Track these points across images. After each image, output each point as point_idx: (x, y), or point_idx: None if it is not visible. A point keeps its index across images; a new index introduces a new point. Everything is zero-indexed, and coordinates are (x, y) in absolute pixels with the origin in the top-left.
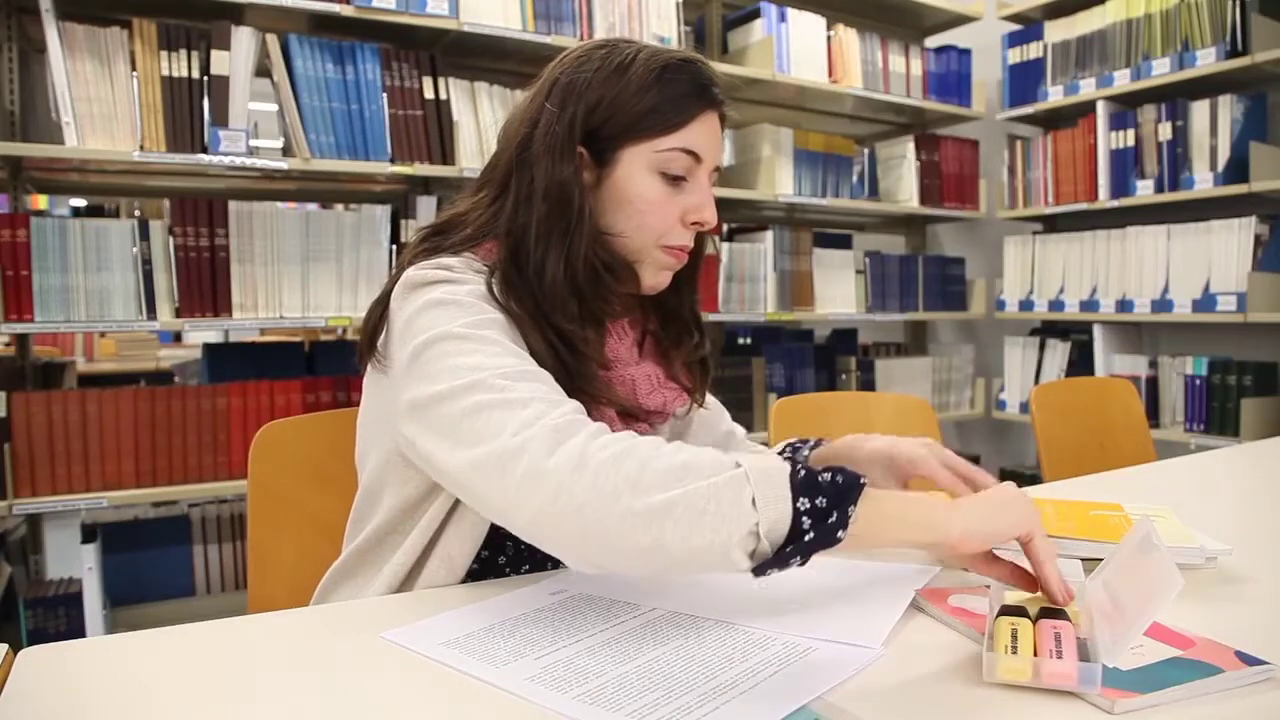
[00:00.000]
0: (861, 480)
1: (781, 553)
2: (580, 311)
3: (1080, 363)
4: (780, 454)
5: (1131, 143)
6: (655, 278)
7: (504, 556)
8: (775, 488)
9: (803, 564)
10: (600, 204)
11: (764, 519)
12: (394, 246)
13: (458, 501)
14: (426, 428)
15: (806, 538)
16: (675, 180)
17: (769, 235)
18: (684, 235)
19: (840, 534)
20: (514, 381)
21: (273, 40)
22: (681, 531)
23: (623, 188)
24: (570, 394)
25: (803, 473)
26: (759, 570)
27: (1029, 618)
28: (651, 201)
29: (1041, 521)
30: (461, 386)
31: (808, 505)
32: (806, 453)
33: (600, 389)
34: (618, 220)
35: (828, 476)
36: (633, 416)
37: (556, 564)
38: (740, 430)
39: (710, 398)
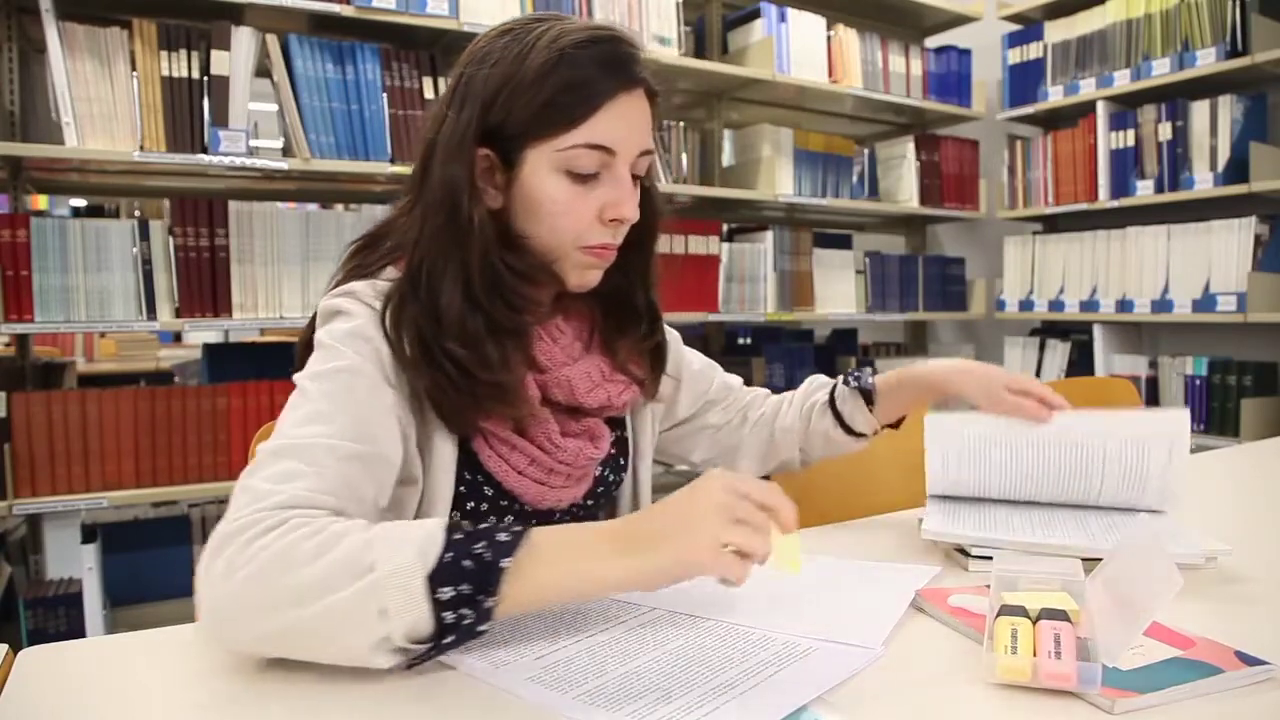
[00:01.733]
0: (501, 565)
1: (429, 650)
2: (487, 325)
3: (1080, 363)
4: (845, 379)
5: (1131, 143)
6: (581, 278)
7: None
8: (408, 592)
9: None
10: (512, 207)
11: (397, 627)
12: None
13: None
14: None
15: (446, 639)
16: (587, 178)
17: (769, 235)
18: (603, 233)
19: (481, 628)
20: (274, 460)
21: (273, 40)
22: (315, 648)
23: (530, 190)
24: (483, 418)
25: (449, 556)
26: (413, 665)
27: (1029, 618)
28: (561, 203)
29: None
30: (260, 454)
31: (450, 594)
32: (870, 380)
33: (513, 405)
34: (529, 224)
35: (477, 552)
36: (582, 413)
37: None
38: (735, 380)
39: (699, 357)
